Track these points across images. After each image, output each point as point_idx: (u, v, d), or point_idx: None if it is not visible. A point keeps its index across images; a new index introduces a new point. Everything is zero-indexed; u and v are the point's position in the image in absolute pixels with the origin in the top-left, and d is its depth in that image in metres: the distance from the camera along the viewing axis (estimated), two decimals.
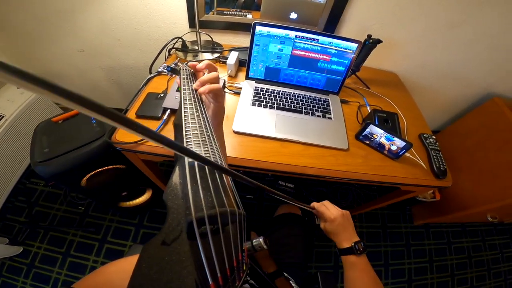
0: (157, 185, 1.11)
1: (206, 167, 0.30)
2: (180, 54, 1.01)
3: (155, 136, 0.18)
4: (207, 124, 0.38)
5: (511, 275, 1.57)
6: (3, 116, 1.18)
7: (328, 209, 0.61)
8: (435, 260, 1.54)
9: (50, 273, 1.24)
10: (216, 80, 0.44)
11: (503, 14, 0.98)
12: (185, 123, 0.35)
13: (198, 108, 0.40)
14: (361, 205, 1.40)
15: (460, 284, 1.49)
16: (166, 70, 0.61)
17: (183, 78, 0.47)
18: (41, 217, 1.40)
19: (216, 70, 0.46)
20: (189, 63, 0.49)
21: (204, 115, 0.39)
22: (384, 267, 1.46)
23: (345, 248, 0.57)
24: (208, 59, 0.99)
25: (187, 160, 0.30)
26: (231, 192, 0.30)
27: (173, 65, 0.58)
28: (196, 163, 0.30)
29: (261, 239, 0.36)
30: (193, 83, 0.46)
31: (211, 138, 0.36)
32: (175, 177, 0.30)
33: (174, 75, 0.60)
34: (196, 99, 0.42)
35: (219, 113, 0.48)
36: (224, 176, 0.30)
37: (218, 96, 0.45)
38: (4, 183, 1.28)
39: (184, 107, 0.39)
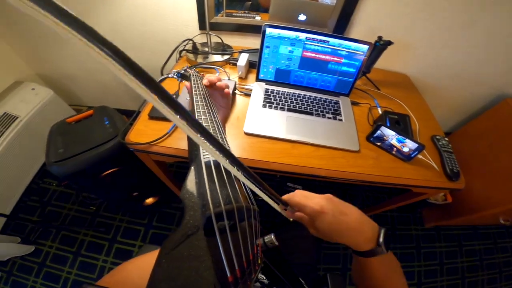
0: (167, 187, 1.12)
1: (222, 166, 0.31)
2: (191, 56, 1.02)
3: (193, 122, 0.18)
4: (219, 125, 0.40)
5: None
6: (17, 117, 1.21)
7: (307, 198, 0.40)
8: (446, 262, 1.51)
9: (61, 272, 1.26)
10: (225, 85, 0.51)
11: None
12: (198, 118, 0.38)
13: (210, 111, 0.42)
14: (370, 207, 1.38)
15: (471, 286, 1.46)
16: (176, 76, 0.63)
17: (194, 84, 0.49)
18: (53, 217, 1.42)
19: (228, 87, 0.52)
20: (206, 79, 0.51)
21: (216, 118, 0.41)
22: None
23: (366, 251, 0.38)
24: (218, 61, 1.01)
25: (203, 159, 0.31)
26: (243, 189, 0.31)
27: (183, 71, 0.60)
28: (212, 162, 0.31)
29: (272, 236, 0.36)
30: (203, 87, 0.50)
31: (224, 140, 0.37)
32: (191, 176, 0.31)
33: (183, 81, 0.62)
34: (207, 103, 0.44)
35: (223, 119, 0.52)
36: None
37: (227, 102, 0.51)
38: (18, 182, 1.31)
39: (196, 109, 0.41)
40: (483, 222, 1.47)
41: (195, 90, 0.47)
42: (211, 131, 0.37)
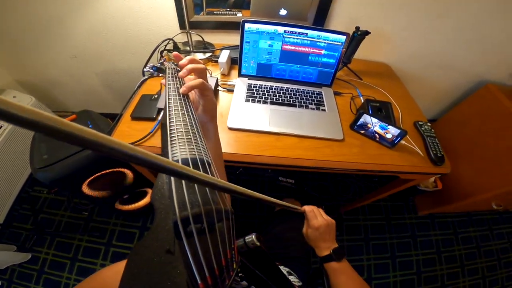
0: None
1: (190, 164, 0.29)
2: (172, 55, 1.02)
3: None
4: (193, 121, 0.37)
5: None
6: (1, 126, 1.19)
7: (315, 216, 0.61)
8: (443, 251, 1.53)
9: (60, 278, 1.26)
10: (200, 72, 0.44)
11: (483, 7, 1.00)
12: (169, 121, 0.35)
13: (184, 105, 0.39)
14: (363, 196, 1.40)
15: (472, 274, 1.47)
16: (152, 70, 0.61)
17: (168, 77, 0.46)
18: (46, 224, 1.42)
19: (199, 63, 0.45)
20: (173, 53, 0.48)
21: (190, 112, 0.39)
22: (391, 259, 1.45)
23: (324, 256, 0.58)
24: (200, 59, 1.01)
25: (171, 157, 0.29)
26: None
27: (159, 64, 0.58)
28: (180, 161, 0.29)
29: (253, 236, 0.36)
30: (179, 81, 0.45)
31: (197, 135, 0.35)
32: (162, 177, 0.29)
33: (162, 75, 0.60)
34: (182, 97, 0.41)
35: (209, 108, 0.47)
36: (214, 174, 0.29)
37: (204, 90, 0.44)
38: (8, 191, 1.30)
39: (169, 105, 0.38)
40: (476, 208, 1.49)
41: (169, 84, 0.44)
42: (183, 127, 0.34)
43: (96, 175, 0.93)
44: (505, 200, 1.23)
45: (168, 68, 0.51)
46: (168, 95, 0.41)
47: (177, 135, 0.32)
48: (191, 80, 0.43)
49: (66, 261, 1.31)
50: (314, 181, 1.63)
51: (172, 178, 0.26)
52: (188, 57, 0.45)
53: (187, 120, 0.36)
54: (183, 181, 0.26)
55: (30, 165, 0.82)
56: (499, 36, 1.12)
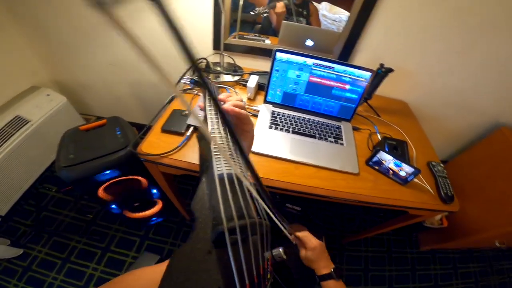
0: (168, 200, 1.14)
1: (235, 179, 0.30)
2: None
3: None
4: (231, 140, 0.37)
5: None
6: (29, 121, 1.23)
7: (310, 239, 0.64)
8: (441, 285, 1.52)
9: (46, 278, 1.23)
10: (241, 106, 0.44)
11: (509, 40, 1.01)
12: (212, 136, 0.35)
13: (225, 124, 0.38)
14: (367, 229, 1.40)
15: None
16: (189, 82, 0.62)
17: (208, 94, 0.44)
18: (48, 222, 1.41)
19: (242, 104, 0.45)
20: (220, 96, 0.46)
21: (228, 132, 0.38)
22: None
23: (324, 274, 0.62)
24: (229, 81, 1.06)
25: (216, 171, 0.30)
26: (255, 204, 0.31)
27: (196, 77, 0.59)
28: (225, 175, 0.29)
29: (280, 249, 0.37)
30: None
31: (236, 153, 0.35)
32: (202, 187, 0.31)
33: (195, 87, 0.60)
34: (220, 117, 0.40)
35: (248, 144, 0.49)
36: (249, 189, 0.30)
37: (247, 124, 0.46)
38: (18, 186, 1.30)
39: (210, 120, 0.39)
40: (479, 246, 1.48)
41: (209, 101, 0.43)
42: (227, 148, 0.34)
43: (113, 180, 0.95)
44: (509, 238, 1.23)
45: (208, 83, 0.49)
46: (210, 111, 0.41)
47: (221, 151, 0.32)
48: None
49: (57, 261, 1.29)
50: (320, 211, 1.64)
51: (219, 190, 0.27)
52: (234, 99, 0.45)
53: (229, 138, 0.37)
54: (229, 194, 0.27)
55: (56, 163, 0.84)
56: None
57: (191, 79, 0.62)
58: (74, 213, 1.45)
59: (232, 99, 0.44)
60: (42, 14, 1.17)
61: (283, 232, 0.45)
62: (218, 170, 0.30)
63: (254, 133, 0.51)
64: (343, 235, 1.58)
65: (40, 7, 1.14)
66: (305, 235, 0.65)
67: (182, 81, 0.68)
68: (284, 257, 0.37)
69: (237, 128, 0.47)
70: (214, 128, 0.37)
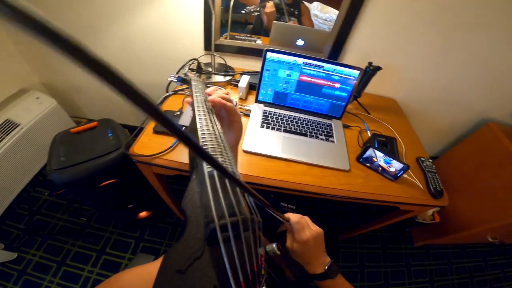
0: (162, 202, 1.14)
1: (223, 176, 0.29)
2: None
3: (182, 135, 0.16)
4: (220, 135, 0.37)
5: None
6: (18, 125, 1.22)
7: (303, 229, 0.51)
8: (436, 280, 1.54)
9: (42, 281, 1.22)
10: (227, 99, 0.47)
11: (493, 39, 1.04)
12: (200, 133, 0.35)
13: (212, 120, 0.40)
14: (361, 226, 1.42)
15: None
16: (175, 80, 0.62)
17: (195, 90, 0.46)
18: (41, 226, 1.40)
19: (229, 97, 0.48)
20: (207, 91, 0.48)
21: (216, 126, 0.39)
22: (384, 287, 1.46)
23: (318, 274, 0.52)
24: (220, 81, 1.07)
25: (205, 169, 0.29)
26: (246, 200, 0.30)
27: (183, 75, 0.59)
28: (215, 172, 0.29)
29: (274, 245, 0.38)
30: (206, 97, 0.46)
31: (226, 148, 0.35)
32: (192, 185, 0.30)
33: (182, 84, 0.62)
34: (210, 111, 0.41)
35: (235, 135, 0.50)
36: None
37: (234, 115, 0.47)
38: (9, 190, 1.29)
39: (198, 116, 0.39)
40: (472, 241, 1.51)
41: (196, 97, 0.43)
42: (214, 139, 0.34)
43: (107, 182, 0.95)
44: (501, 233, 1.25)
45: (193, 80, 0.51)
46: (197, 106, 0.41)
47: (209, 147, 0.32)
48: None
49: (53, 264, 1.27)
50: (315, 209, 1.65)
51: (209, 188, 0.26)
52: (220, 92, 0.48)
53: (216, 133, 0.37)
54: (220, 191, 0.26)
55: (47, 166, 0.84)
56: (506, 69, 1.15)
57: (178, 76, 0.62)
58: (68, 216, 1.44)
59: (218, 92, 0.47)
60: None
61: (277, 229, 0.45)
62: (207, 168, 0.29)
63: (242, 124, 0.51)
64: (338, 232, 1.60)
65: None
66: (299, 221, 0.51)
67: (169, 79, 0.67)
68: (278, 252, 0.37)
69: (225, 119, 0.49)
70: (203, 124, 0.37)
